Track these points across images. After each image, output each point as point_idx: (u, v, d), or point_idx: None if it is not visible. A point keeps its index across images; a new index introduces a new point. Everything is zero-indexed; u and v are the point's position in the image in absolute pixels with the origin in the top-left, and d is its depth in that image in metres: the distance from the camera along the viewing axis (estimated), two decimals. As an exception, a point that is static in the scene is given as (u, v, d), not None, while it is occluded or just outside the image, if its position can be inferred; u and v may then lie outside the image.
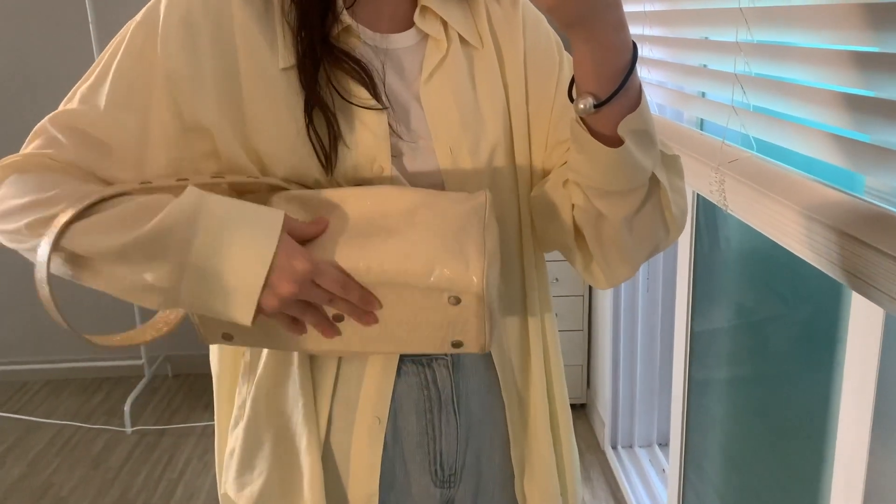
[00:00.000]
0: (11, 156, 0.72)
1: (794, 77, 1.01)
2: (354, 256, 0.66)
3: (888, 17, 0.80)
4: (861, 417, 0.93)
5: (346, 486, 0.80)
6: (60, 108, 0.73)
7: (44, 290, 0.64)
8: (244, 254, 0.64)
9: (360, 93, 0.73)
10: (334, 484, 0.80)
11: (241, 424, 0.82)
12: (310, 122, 0.72)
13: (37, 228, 0.66)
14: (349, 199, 0.70)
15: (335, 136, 0.72)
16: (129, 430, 2.69)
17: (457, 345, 0.70)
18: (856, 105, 0.87)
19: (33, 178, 0.69)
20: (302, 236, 0.68)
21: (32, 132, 0.74)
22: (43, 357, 3.12)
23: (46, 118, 0.73)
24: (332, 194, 0.71)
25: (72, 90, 0.74)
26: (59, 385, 3.08)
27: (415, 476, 0.82)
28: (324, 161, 0.72)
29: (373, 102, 0.73)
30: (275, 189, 0.72)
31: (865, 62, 0.85)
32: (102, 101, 0.71)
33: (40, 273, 0.64)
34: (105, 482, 2.42)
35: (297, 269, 0.65)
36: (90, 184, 0.70)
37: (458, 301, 0.67)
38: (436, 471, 0.83)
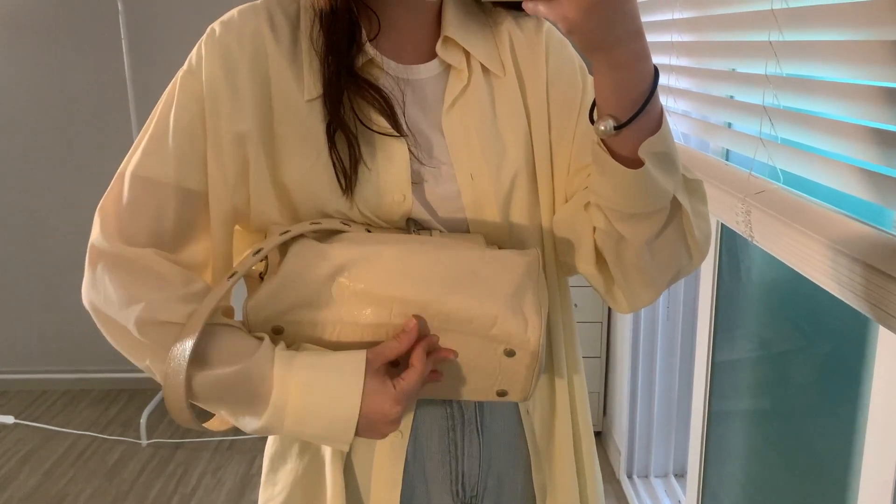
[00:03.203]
0: (108, 231, 0.73)
1: (822, 111, 1.01)
2: (428, 299, 0.71)
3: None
4: (887, 455, 0.92)
5: (367, 501, 0.81)
6: (130, 161, 0.75)
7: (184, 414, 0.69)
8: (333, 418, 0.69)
9: (382, 122, 0.75)
10: (355, 499, 0.81)
11: (270, 438, 0.84)
12: (332, 146, 0.74)
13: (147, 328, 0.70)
14: (417, 247, 0.72)
15: (356, 159, 0.74)
16: (144, 442, 2.71)
17: (501, 394, 0.75)
18: (885, 140, 0.87)
19: (131, 276, 0.71)
20: (393, 357, 0.71)
21: (112, 182, 0.75)
22: (62, 366, 3.15)
23: (122, 173, 0.75)
24: (398, 241, 0.73)
25: (134, 143, 0.76)
26: (77, 395, 3.11)
27: (435, 495, 0.82)
28: (343, 184, 0.74)
29: (392, 130, 0.75)
30: (334, 232, 0.74)
31: (893, 98, 0.85)
32: (171, 152, 0.74)
33: (176, 393, 0.68)
34: (119, 494, 2.43)
35: (390, 413, 0.70)
36: (181, 285, 0.72)
37: (512, 353, 0.71)
38: (457, 491, 0.83)
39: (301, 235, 0.73)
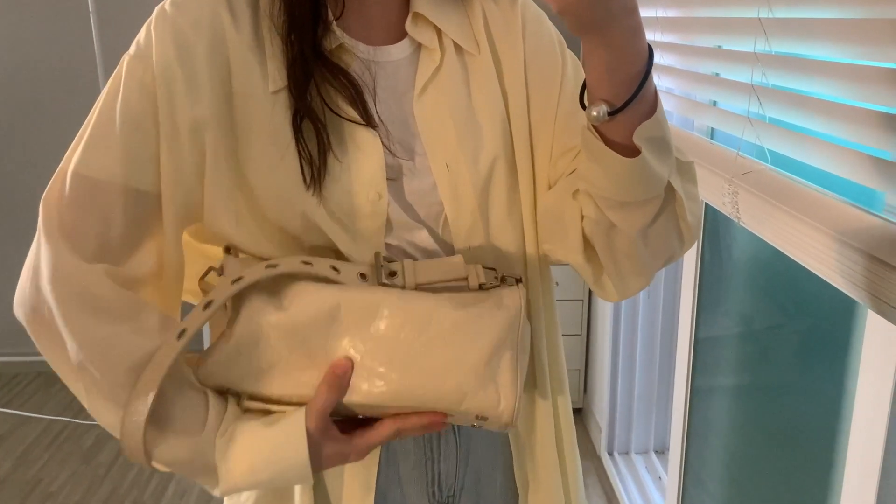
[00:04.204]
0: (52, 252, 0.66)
1: (812, 91, 0.99)
2: (390, 393, 0.66)
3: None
4: (874, 433, 0.92)
5: None
6: (73, 156, 0.68)
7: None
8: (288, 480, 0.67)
9: (352, 112, 0.70)
10: None
11: None
12: (299, 137, 0.68)
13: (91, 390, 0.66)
14: (382, 310, 0.67)
15: (325, 150, 0.68)
16: (120, 425, 2.67)
17: (479, 426, 0.71)
18: (877, 121, 0.86)
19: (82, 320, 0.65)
20: (329, 410, 0.67)
21: (53, 179, 0.68)
22: (34, 350, 3.07)
23: (64, 169, 0.67)
24: (363, 302, 0.67)
25: (77, 136, 0.68)
26: (51, 378, 3.05)
27: (411, 498, 0.79)
28: (309, 176, 0.68)
29: (363, 120, 0.70)
30: (292, 277, 0.68)
31: (888, 78, 0.83)
32: (117, 147, 0.66)
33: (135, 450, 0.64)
34: (96, 478, 2.39)
35: (349, 463, 0.69)
36: (136, 330, 0.66)
37: (485, 419, 0.67)
38: (433, 492, 0.80)
39: (257, 280, 0.66)
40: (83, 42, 2.75)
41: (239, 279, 0.65)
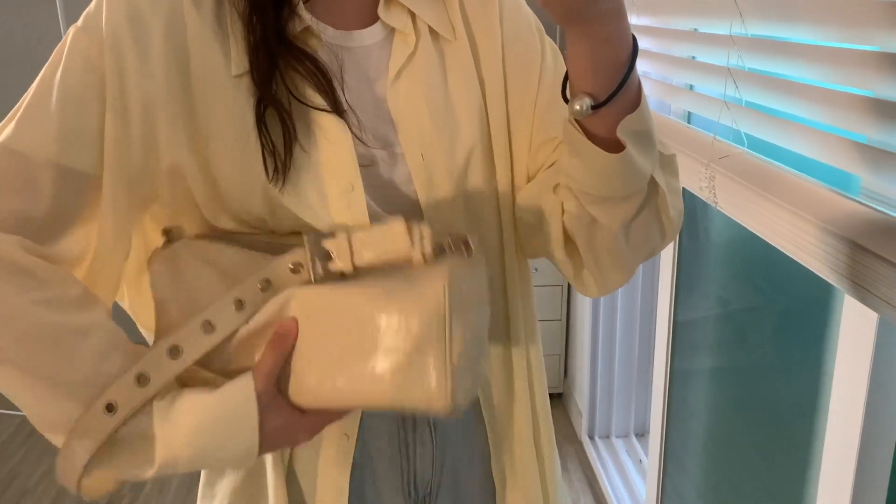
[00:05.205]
0: None
1: (789, 74, 0.99)
2: (327, 387, 0.64)
3: (890, 16, 0.78)
4: (852, 412, 0.92)
5: None
6: (5, 129, 0.63)
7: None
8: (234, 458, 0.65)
9: (319, 99, 0.67)
10: None
11: None
12: (262, 126, 0.65)
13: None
14: (311, 316, 0.64)
15: (291, 141, 0.65)
16: (97, 418, 2.63)
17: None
18: (854, 105, 0.85)
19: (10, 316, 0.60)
20: (277, 370, 0.64)
21: None
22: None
23: None
24: (293, 308, 0.65)
25: (14, 108, 0.64)
26: (25, 372, 3.01)
27: (386, 497, 0.77)
28: (272, 168, 0.65)
29: (331, 107, 0.67)
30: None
31: (865, 61, 0.83)
32: (53, 122, 0.62)
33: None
34: (73, 473, 2.37)
35: (300, 441, 0.67)
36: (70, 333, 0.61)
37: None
38: (409, 492, 0.78)
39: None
40: (49, 28, 2.69)
41: (145, 378, 0.62)
